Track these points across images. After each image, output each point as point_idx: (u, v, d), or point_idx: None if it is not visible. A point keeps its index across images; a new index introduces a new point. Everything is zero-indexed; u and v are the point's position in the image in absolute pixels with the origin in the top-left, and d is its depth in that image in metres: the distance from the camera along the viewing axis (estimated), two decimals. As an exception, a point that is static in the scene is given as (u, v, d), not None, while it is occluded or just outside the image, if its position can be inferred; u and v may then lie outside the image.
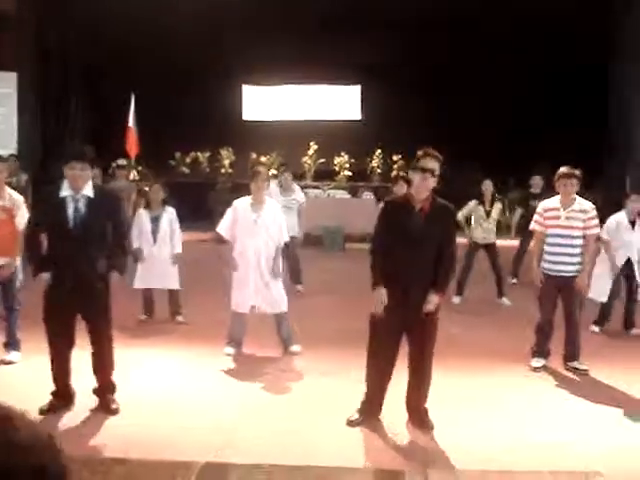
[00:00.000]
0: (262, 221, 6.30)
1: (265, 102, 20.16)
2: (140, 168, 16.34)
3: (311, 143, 18.49)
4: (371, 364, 4.77)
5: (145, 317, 7.77)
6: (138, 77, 16.44)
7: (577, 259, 6.09)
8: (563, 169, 6.13)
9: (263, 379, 5.79)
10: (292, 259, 9.09)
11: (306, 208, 9.68)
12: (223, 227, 6.42)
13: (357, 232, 13.42)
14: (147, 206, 7.81)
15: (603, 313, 7.68)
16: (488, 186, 9.11)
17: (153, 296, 7.81)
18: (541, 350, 6.24)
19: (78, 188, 4.71)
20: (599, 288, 7.50)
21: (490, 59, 17.28)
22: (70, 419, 4.79)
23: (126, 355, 5.83)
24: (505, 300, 9.05)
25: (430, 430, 4.70)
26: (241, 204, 6.38)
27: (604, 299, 7.57)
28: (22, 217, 5.86)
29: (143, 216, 7.71)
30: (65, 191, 4.73)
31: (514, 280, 10.25)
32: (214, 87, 18.11)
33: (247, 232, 6.28)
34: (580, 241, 6.06)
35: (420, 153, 4.59)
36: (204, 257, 11.34)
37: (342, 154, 18.41)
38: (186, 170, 18.61)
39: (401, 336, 4.73)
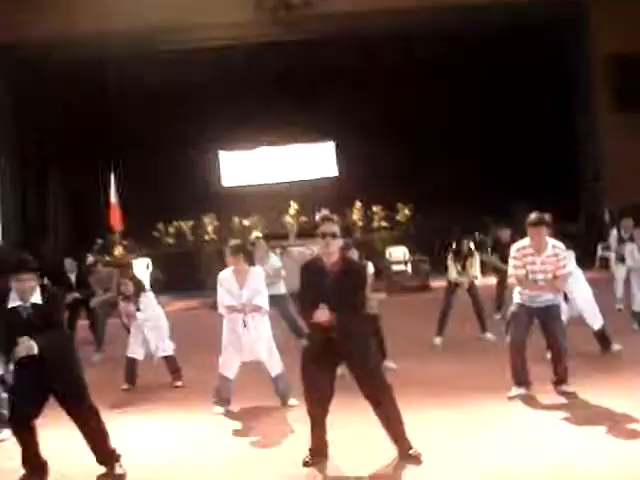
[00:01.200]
0: (248, 291, 6.55)
1: (243, 167, 20.55)
2: (126, 242, 16.59)
3: (291, 202, 18.82)
4: (309, 405, 5.05)
5: (127, 386, 7.86)
6: (116, 152, 16.83)
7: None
8: (532, 217, 6.24)
9: (259, 431, 5.98)
10: (288, 317, 9.32)
11: (292, 266, 9.79)
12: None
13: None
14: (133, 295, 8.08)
15: (604, 336, 7.88)
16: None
17: (137, 367, 7.98)
18: (519, 379, 6.37)
19: (26, 299, 4.90)
20: (593, 314, 7.80)
21: (461, 111, 17.85)
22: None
23: (127, 421, 5.98)
24: (488, 335, 9.23)
25: (418, 460, 4.89)
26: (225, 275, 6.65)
27: (600, 324, 7.81)
28: None
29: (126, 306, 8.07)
30: (14, 301, 4.90)
31: (498, 316, 10.43)
32: (189, 156, 18.49)
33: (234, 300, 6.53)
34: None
35: (318, 219, 4.98)
36: (196, 324, 11.50)
37: (322, 210, 18.70)
38: (170, 240, 18.80)
39: (334, 373, 5.03)
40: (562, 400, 6.22)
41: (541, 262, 6.23)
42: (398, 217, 18.69)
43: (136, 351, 7.94)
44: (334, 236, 4.88)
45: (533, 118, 17.75)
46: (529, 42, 17.03)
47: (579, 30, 17.66)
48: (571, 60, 18.26)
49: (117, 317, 10.05)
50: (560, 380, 6.37)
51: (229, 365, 6.61)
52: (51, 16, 15.81)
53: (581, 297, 7.96)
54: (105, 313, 10.20)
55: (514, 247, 6.42)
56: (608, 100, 17.18)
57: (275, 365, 6.65)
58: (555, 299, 6.40)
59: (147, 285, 9.07)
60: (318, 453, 5.08)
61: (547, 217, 6.32)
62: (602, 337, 7.95)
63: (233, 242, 6.93)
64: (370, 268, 7.65)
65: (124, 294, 8.07)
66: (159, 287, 15.99)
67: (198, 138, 18.35)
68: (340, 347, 4.92)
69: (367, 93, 18.08)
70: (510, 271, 6.40)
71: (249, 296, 6.54)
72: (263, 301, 6.62)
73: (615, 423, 5.47)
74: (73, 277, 10.50)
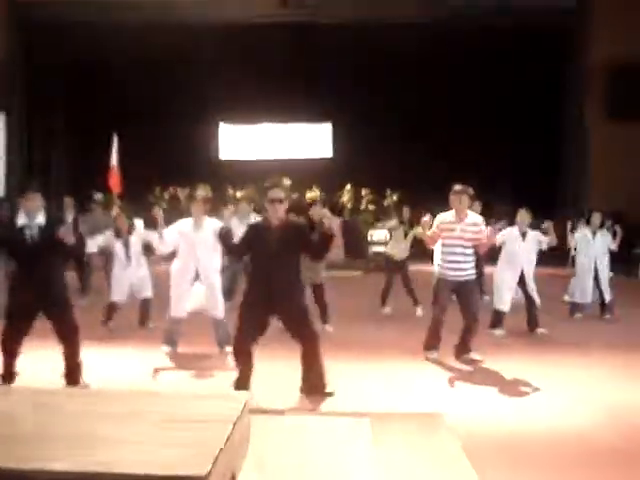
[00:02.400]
0: (201, 237, 7.29)
1: (241, 141, 21.25)
2: (120, 204, 17.36)
3: (284, 179, 19.49)
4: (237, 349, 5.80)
5: (108, 323, 8.74)
6: (120, 118, 17.55)
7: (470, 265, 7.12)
8: (457, 186, 7.04)
9: (197, 369, 6.93)
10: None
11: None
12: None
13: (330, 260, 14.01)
14: (117, 234, 8.97)
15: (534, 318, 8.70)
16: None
17: (117, 308, 8.86)
18: (430, 345, 7.24)
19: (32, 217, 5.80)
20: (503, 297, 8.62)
21: (458, 103, 18.33)
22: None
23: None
24: (418, 310, 9.80)
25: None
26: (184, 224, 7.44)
27: (505, 308, 8.63)
28: None
29: (116, 244, 8.94)
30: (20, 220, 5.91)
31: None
32: (191, 126, 19.20)
33: (188, 247, 7.30)
34: (471, 250, 7.07)
35: (267, 184, 5.79)
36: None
37: (314, 189, 19.45)
38: (164, 205, 19.53)
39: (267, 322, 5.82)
40: (466, 366, 7.07)
41: (460, 229, 6.93)
42: (386, 202, 19.39)
43: (118, 294, 8.76)
44: (281, 202, 5.68)
45: (529, 124, 18.22)
46: (527, 46, 17.51)
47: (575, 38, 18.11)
48: (565, 68, 18.67)
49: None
50: (468, 348, 7.15)
51: (177, 309, 7.35)
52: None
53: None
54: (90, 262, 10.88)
55: (437, 217, 7.14)
56: (600, 109, 17.59)
57: (216, 312, 7.36)
58: (470, 274, 7.10)
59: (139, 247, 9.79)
60: (242, 386, 5.80)
61: (469, 190, 7.00)
62: (532, 318, 8.74)
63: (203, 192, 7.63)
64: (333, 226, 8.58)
65: (117, 229, 8.92)
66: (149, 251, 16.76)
67: (199, 110, 19.04)
68: (277, 301, 5.64)
69: (369, 78, 18.61)
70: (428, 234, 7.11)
71: (199, 240, 7.23)
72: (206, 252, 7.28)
73: (499, 382, 6.49)
74: (70, 217, 10.70)
